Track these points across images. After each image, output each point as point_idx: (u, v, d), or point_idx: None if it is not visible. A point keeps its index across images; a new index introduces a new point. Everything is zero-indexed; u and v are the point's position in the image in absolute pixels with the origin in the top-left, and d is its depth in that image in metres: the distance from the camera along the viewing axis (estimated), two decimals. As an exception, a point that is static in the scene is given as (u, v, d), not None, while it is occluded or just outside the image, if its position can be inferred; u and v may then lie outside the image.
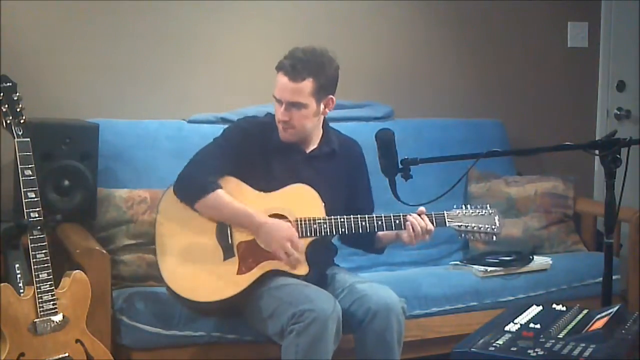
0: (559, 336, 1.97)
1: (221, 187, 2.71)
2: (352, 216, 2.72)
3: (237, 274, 2.69)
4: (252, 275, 2.69)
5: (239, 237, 2.73)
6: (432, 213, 2.76)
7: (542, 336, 1.96)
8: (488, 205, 2.81)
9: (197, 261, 2.70)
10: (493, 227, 2.78)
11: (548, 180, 3.83)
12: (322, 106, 2.80)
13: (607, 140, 2.25)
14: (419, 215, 2.74)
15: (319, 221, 2.71)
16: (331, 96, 2.81)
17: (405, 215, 2.74)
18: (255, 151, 2.79)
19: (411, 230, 2.72)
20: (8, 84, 2.58)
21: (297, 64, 2.70)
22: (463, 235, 2.82)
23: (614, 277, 2.33)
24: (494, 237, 2.80)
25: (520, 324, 2.07)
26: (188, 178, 2.75)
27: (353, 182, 2.93)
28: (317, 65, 2.73)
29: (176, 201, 2.74)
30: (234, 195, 2.73)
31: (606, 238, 2.26)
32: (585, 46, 4.51)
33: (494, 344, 1.92)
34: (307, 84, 2.72)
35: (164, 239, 2.73)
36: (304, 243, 2.71)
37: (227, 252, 2.71)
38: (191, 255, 2.71)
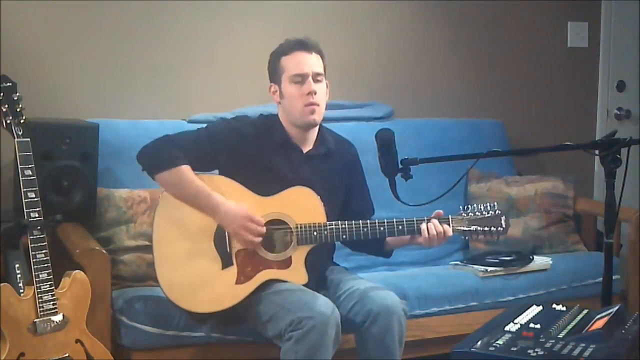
0: (559, 336, 1.97)
1: (187, 165, 2.66)
2: (353, 222, 2.68)
3: (236, 283, 2.66)
4: (250, 285, 2.66)
5: (238, 244, 2.69)
6: (438, 218, 2.70)
7: (542, 336, 1.96)
8: (495, 204, 2.75)
9: (195, 270, 2.67)
10: (499, 228, 2.72)
11: (548, 180, 3.83)
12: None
13: (607, 140, 2.25)
14: (436, 218, 2.69)
15: (319, 228, 2.67)
16: (327, 81, 2.85)
17: (411, 221, 2.69)
18: (250, 151, 2.74)
19: (426, 234, 2.67)
20: (8, 84, 2.58)
21: (303, 41, 2.78)
22: (467, 237, 2.79)
23: (614, 277, 2.34)
24: (499, 237, 2.75)
25: (520, 324, 2.07)
26: (155, 147, 2.70)
27: (350, 183, 2.92)
28: (317, 44, 2.81)
29: (172, 207, 2.69)
30: (232, 197, 2.68)
31: (606, 238, 2.26)
32: (585, 46, 4.51)
33: (494, 344, 1.92)
34: (319, 57, 2.79)
35: (161, 246, 2.68)
36: (303, 251, 2.69)
37: (226, 261, 2.67)
38: (189, 264, 2.67)
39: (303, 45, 2.77)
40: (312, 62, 2.76)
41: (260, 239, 2.65)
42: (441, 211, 2.70)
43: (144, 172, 2.74)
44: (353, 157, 2.95)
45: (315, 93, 2.73)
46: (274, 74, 2.81)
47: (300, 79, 2.74)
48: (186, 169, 2.66)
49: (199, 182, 2.66)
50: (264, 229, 2.66)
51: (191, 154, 2.69)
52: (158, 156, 2.69)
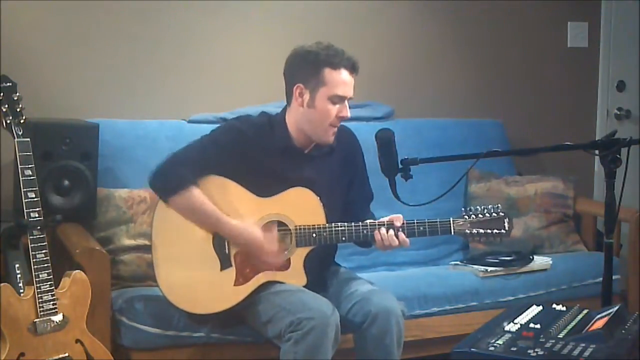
0: (559, 336, 1.97)
1: (197, 186, 2.64)
2: (353, 223, 2.67)
3: (235, 285, 2.66)
4: (249, 286, 2.67)
5: (236, 247, 2.69)
6: (437, 220, 2.67)
7: (542, 336, 1.96)
8: (499, 206, 2.67)
9: (194, 272, 2.67)
10: (502, 231, 2.66)
11: (548, 180, 3.83)
12: None
13: (607, 140, 2.25)
14: (392, 222, 2.66)
15: (318, 229, 2.66)
16: None
17: (411, 222, 2.67)
18: (252, 153, 2.71)
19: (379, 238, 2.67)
20: (8, 84, 2.58)
21: (354, 62, 2.68)
22: (469, 239, 2.76)
23: (614, 277, 2.33)
24: (502, 240, 2.69)
25: (520, 324, 2.07)
26: (165, 171, 2.68)
27: (351, 174, 2.89)
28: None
29: (171, 210, 2.68)
30: (230, 199, 2.68)
31: (606, 238, 2.26)
32: (585, 46, 4.51)
33: (494, 344, 1.92)
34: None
35: (160, 248, 2.69)
36: (302, 253, 2.68)
37: (224, 263, 2.68)
38: (188, 266, 2.67)
39: (353, 67, 2.68)
40: (352, 86, 2.69)
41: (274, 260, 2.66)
42: (396, 216, 2.68)
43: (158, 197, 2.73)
44: (354, 146, 2.91)
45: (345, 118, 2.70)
46: (307, 78, 2.67)
47: (339, 100, 2.68)
48: (195, 192, 2.64)
49: (208, 206, 2.65)
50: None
51: (199, 166, 2.67)
52: (167, 179, 2.67)
